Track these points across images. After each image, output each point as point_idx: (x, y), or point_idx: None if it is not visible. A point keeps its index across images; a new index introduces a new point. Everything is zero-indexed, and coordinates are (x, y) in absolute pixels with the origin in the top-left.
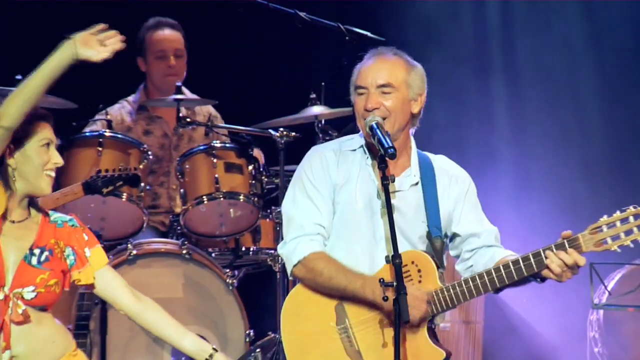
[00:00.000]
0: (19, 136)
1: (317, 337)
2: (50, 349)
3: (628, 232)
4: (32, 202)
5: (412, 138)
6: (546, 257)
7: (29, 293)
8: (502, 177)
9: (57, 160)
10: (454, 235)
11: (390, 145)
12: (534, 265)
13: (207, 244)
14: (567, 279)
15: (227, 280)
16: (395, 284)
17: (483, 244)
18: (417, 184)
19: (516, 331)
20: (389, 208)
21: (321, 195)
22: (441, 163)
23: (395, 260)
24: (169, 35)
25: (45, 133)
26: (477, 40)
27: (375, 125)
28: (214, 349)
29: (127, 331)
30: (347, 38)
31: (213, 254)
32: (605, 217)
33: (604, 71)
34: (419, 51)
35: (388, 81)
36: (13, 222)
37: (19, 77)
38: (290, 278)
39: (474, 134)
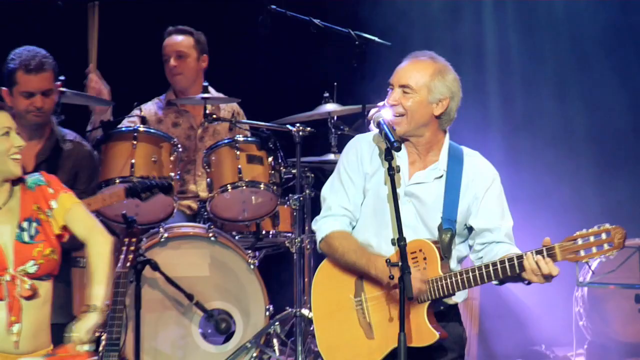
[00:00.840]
0: None
1: (338, 307)
2: (47, 326)
3: (599, 247)
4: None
5: (446, 135)
6: (525, 261)
7: (31, 267)
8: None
9: (19, 143)
10: (471, 228)
11: (394, 139)
12: (516, 267)
13: (231, 227)
14: (544, 282)
15: (249, 261)
16: (400, 264)
17: (493, 239)
18: (441, 177)
19: (509, 306)
20: (394, 196)
21: (352, 182)
22: (472, 158)
23: (400, 242)
24: (172, 39)
25: (3, 122)
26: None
27: (382, 121)
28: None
29: (159, 306)
30: (356, 42)
31: (236, 237)
32: (581, 231)
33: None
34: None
35: (408, 83)
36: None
37: (62, 77)
38: (319, 251)
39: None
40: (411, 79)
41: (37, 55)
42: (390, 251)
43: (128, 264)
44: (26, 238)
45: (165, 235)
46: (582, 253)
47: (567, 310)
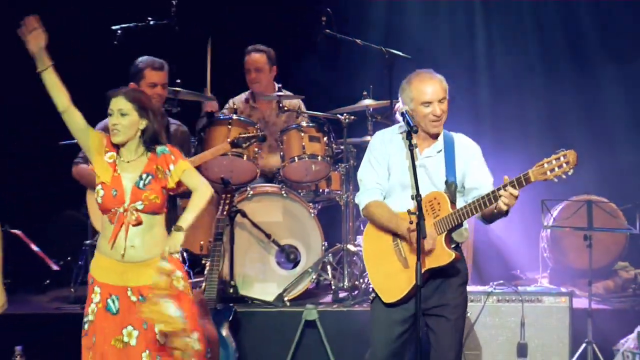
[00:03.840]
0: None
1: (381, 251)
2: (154, 246)
3: (560, 167)
4: (146, 146)
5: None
6: (500, 192)
7: (139, 205)
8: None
9: (115, 122)
10: (464, 187)
11: (413, 124)
12: (496, 196)
13: (297, 187)
14: (510, 206)
15: (310, 210)
16: (417, 213)
17: (480, 194)
18: (440, 151)
19: (493, 243)
20: (413, 165)
21: (379, 163)
22: (459, 138)
23: (417, 197)
24: (252, 57)
25: (117, 104)
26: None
27: (404, 112)
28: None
29: (247, 242)
30: (386, 56)
31: (301, 194)
32: (546, 158)
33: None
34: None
35: (445, 96)
36: (128, 162)
37: (178, 80)
38: (362, 216)
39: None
40: (444, 91)
41: (158, 59)
42: (411, 205)
43: (225, 213)
44: (141, 185)
45: (251, 192)
46: (549, 173)
47: (536, 245)
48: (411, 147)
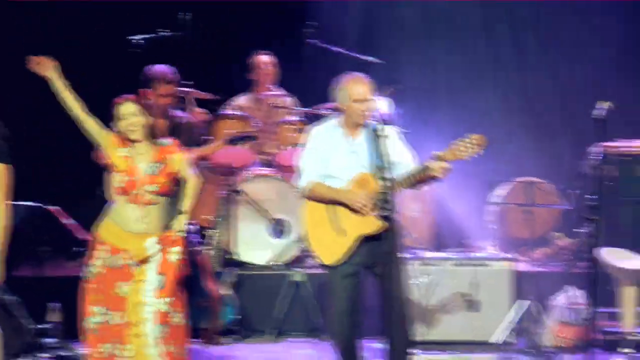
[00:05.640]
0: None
1: (320, 214)
2: (158, 221)
3: (472, 148)
4: (151, 139)
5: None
6: (430, 164)
7: (152, 187)
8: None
9: (129, 122)
10: (390, 165)
11: (383, 119)
12: (424, 169)
13: (289, 171)
14: (445, 175)
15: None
16: (351, 189)
17: (405, 169)
18: (368, 138)
19: (450, 216)
20: (375, 151)
21: (318, 153)
22: (380, 126)
23: (351, 177)
24: (262, 59)
25: (127, 109)
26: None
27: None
28: None
29: (246, 217)
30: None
31: (292, 176)
32: (460, 139)
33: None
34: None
35: (372, 94)
36: (141, 154)
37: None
38: (304, 198)
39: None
40: (372, 91)
41: (170, 70)
42: (348, 186)
43: (227, 192)
44: (153, 171)
45: (251, 175)
46: (463, 153)
47: (486, 219)
48: (376, 135)
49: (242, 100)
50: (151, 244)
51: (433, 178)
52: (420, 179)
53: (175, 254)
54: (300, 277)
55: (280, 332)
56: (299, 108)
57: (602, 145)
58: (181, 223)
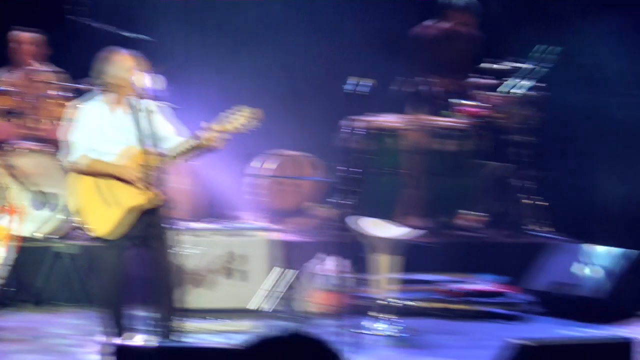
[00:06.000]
0: None
1: (90, 188)
2: None
3: (240, 120)
4: None
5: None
6: (200, 134)
7: None
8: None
9: None
10: (157, 139)
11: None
12: (194, 140)
13: (57, 144)
14: (221, 144)
15: None
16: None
17: (172, 142)
18: (135, 112)
19: (209, 187)
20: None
21: (86, 126)
22: (145, 102)
23: (122, 151)
24: (23, 36)
25: None
26: None
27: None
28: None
29: (16, 190)
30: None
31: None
32: (228, 112)
33: None
34: None
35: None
36: None
37: None
38: (71, 172)
39: None
40: (138, 66)
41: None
42: (117, 160)
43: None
44: None
45: (14, 148)
46: (233, 124)
47: (244, 190)
48: (142, 110)
49: (3, 75)
50: None
51: (209, 148)
52: (194, 150)
53: None
54: (64, 249)
55: (41, 301)
56: (63, 83)
57: (352, 119)
58: None
